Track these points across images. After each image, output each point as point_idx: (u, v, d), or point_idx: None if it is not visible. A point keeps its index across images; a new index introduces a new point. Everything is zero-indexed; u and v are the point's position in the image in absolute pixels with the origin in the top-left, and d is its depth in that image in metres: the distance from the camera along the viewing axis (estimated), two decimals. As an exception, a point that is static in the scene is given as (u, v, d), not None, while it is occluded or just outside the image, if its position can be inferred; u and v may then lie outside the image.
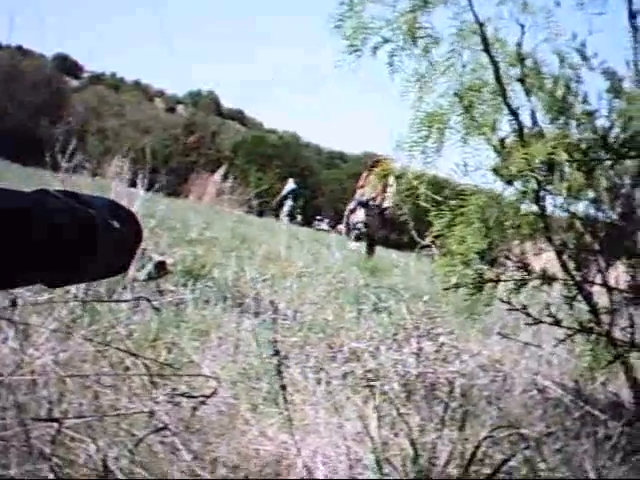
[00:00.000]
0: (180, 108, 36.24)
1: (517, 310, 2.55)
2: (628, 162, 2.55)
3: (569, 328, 2.48)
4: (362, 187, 13.20)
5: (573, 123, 2.60)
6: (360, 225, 12.89)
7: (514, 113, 2.46)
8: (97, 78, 36.40)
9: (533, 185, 2.41)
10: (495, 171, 2.48)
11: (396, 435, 2.70)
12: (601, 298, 2.58)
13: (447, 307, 4.47)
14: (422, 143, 2.41)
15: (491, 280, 2.52)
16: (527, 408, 3.47)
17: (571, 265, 2.53)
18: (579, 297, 2.57)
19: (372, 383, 3.21)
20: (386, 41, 2.65)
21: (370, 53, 2.69)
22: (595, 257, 2.53)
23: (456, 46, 2.57)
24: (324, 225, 15.71)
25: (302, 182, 21.90)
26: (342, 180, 24.28)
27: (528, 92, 2.48)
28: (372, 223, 12.74)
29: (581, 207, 2.73)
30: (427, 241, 2.77)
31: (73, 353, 2.98)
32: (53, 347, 2.90)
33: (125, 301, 3.61)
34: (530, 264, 2.58)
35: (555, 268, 2.68)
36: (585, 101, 2.55)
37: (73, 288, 3.49)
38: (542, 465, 2.54)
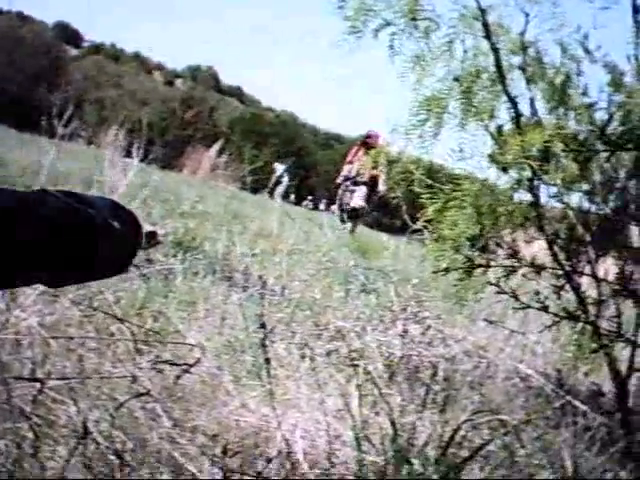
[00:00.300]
0: (179, 82, 36.09)
1: (505, 293, 2.55)
2: (625, 156, 2.55)
3: (556, 315, 2.49)
4: (350, 163, 12.84)
5: (572, 115, 2.60)
6: (346, 201, 12.57)
7: (513, 101, 2.45)
8: (96, 48, 36.21)
9: (528, 174, 2.41)
10: (491, 158, 2.47)
11: (377, 414, 2.71)
12: (589, 291, 2.59)
13: (436, 292, 4.48)
14: (420, 127, 2.41)
15: (481, 265, 2.52)
16: (509, 396, 3.48)
17: (561, 256, 2.53)
18: (567, 287, 2.57)
19: (356, 362, 3.21)
20: (387, 24, 2.64)
21: (371, 35, 2.68)
22: (585, 248, 2.54)
23: (457, 30, 2.56)
24: (322, 205, 15.63)
25: (297, 161, 21.86)
26: (337, 161, 24.26)
27: (528, 81, 2.48)
28: (361, 197, 12.45)
29: (575, 199, 2.74)
30: (419, 225, 2.77)
31: (59, 316, 2.98)
32: (40, 309, 2.90)
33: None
34: (520, 252, 2.59)
35: (546, 258, 2.68)
36: (585, 93, 2.55)
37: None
38: (520, 451, 2.55)
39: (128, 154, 6.97)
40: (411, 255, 6.12)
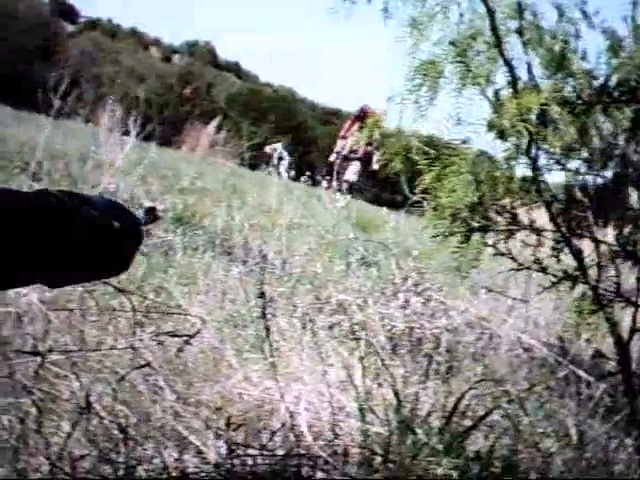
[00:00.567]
0: (176, 58, 35.90)
1: (503, 255, 2.54)
2: (623, 119, 2.52)
3: (555, 275, 2.48)
4: (344, 138, 12.64)
5: (570, 81, 2.57)
6: (353, 178, 12.39)
7: (509, 65, 2.42)
8: (93, 24, 35.94)
9: (525, 137, 2.38)
10: (489, 124, 2.45)
11: (380, 386, 2.71)
12: (590, 255, 2.57)
13: (436, 264, 4.47)
14: (415, 92, 2.37)
15: (479, 229, 2.51)
16: (512, 366, 3.48)
17: (560, 220, 2.51)
18: (567, 254, 2.56)
19: (358, 335, 3.21)
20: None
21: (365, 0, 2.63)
22: (585, 214, 2.52)
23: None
24: (325, 182, 15.50)
25: (296, 137, 21.79)
26: (336, 136, 24.15)
27: (525, 44, 2.44)
28: (354, 172, 12.26)
29: (574, 167, 2.71)
30: (417, 196, 2.74)
31: (59, 292, 2.97)
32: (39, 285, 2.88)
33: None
34: (519, 215, 2.57)
35: (547, 227, 2.66)
36: (584, 57, 2.52)
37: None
38: (524, 420, 2.55)
39: (126, 132, 6.94)
40: (412, 228, 6.11)
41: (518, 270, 2.57)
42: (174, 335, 2.58)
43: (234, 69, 36.48)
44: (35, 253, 1.06)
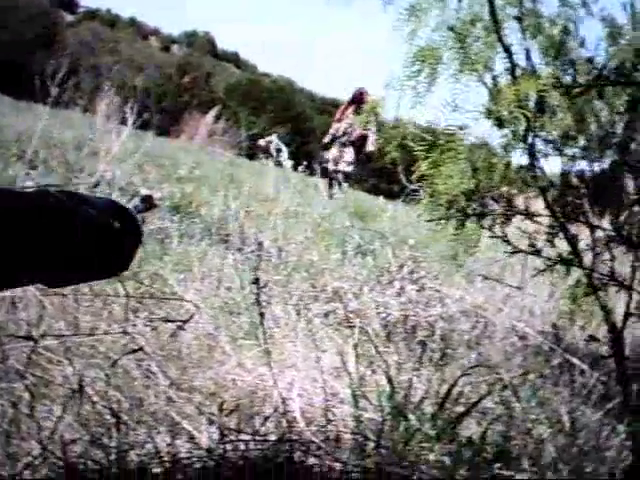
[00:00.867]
0: (175, 48, 35.83)
1: (498, 237, 2.53)
2: (620, 105, 2.51)
3: (549, 259, 2.48)
4: (339, 121, 12.46)
5: (569, 68, 2.56)
6: (333, 162, 12.12)
7: (508, 50, 2.41)
8: (92, 14, 35.84)
9: (523, 123, 2.38)
10: (487, 111, 2.44)
11: (373, 372, 2.72)
12: (585, 240, 2.57)
13: (432, 252, 4.48)
14: (414, 77, 2.37)
15: (475, 214, 2.50)
16: (506, 355, 3.49)
17: (556, 207, 2.51)
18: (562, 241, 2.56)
19: (353, 323, 3.21)
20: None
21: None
22: (581, 201, 2.52)
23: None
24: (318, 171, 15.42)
25: (294, 127, 21.81)
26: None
27: (524, 31, 2.44)
28: (349, 161, 12.10)
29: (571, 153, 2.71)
30: (414, 184, 2.73)
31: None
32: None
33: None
34: (514, 200, 2.57)
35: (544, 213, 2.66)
36: (582, 44, 2.51)
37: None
38: (517, 407, 2.56)
39: (124, 122, 6.93)
40: (408, 217, 6.11)
41: (513, 253, 2.57)
42: (167, 320, 2.58)
43: (233, 59, 36.43)
44: (35, 253, 1.05)
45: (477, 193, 2.54)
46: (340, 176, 11.94)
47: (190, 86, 25.34)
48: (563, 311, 2.62)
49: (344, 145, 11.98)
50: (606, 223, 2.53)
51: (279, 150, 19.53)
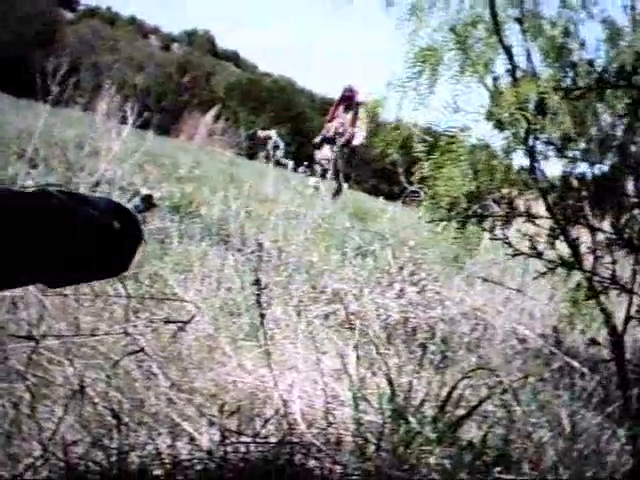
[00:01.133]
0: (175, 46, 35.81)
1: (499, 239, 2.54)
2: (621, 110, 2.52)
3: (550, 261, 2.48)
4: (331, 121, 12.31)
5: (569, 71, 2.57)
6: (324, 162, 11.93)
7: (508, 52, 2.42)
8: (92, 12, 35.81)
9: (523, 125, 2.38)
10: (488, 114, 2.44)
11: (374, 374, 2.72)
12: (586, 244, 2.58)
13: (432, 254, 4.48)
14: (415, 79, 2.37)
15: (475, 215, 2.50)
16: (506, 357, 3.49)
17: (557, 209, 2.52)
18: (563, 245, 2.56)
19: (353, 324, 3.21)
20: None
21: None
22: (581, 203, 2.52)
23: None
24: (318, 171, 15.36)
25: (294, 127, 21.80)
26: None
27: (525, 32, 2.44)
28: (339, 159, 11.96)
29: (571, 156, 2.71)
30: (415, 186, 2.73)
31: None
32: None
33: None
34: (515, 201, 2.57)
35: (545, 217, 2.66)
36: (583, 45, 2.51)
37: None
38: (518, 410, 2.56)
39: (124, 121, 6.93)
40: (408, 219, 6.11)
41: (514, 256, 2.57)
42: (168, 321, 2.58)
43: (233, 58, 36.43)
44: (35, 253, 1.06)
45: (478, 195, 2.54)
46: (323, 167, 11.71)
47: (190, 85, 25.35)
48: (563, 314, 2.61)
49: (336, 145, 11.81)
50: (607, 225, 2.53)
51: (276, 147, 19.55)
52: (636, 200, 2.52)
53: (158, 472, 1.99)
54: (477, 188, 2.47)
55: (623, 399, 2.43)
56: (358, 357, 2.66)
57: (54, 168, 5.52)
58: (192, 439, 2.22)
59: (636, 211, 2.56)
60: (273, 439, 2.23)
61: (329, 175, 11.44)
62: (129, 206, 1.40)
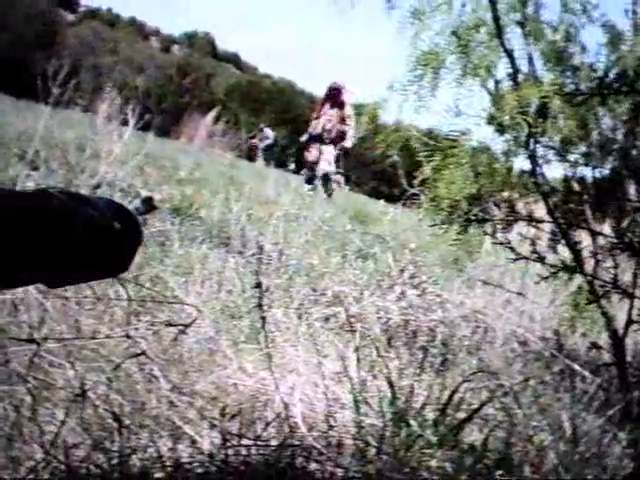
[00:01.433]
0: (175, 48, 35.83)
1: (501, 244, 2.54)
2: (622, 111, 2.52)
3: (552, 266, 2.48)
4: (317, 118, 12.05)
5: (570, 74, 2.57)
6: (314, 166, 11.63)
7: (510, 55, 2.42)
8: (93, 13, 35.82)
9: (525, 129, 2.38)
10: (489, 117, 2.45)
11: (375, 377, 2.72)
12: (587, 248, 2.58)
13: (433, 257, 4.48)
14: (417, 82, 2.37)
15: (477, 219, 2.51)
16: (507, 360, 3.49)
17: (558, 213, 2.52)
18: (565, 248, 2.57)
19: (354, 327, 3.21)
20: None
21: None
22: (582, 207, 2.53)
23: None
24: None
25: (294, 129, 21.80)
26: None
27: (526, 36, 2.45)
28: (329, 160, 11.54)
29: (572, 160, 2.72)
30: (416, 189, 2.73)
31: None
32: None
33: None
34: (516, 206, 2.58)
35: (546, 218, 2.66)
36: (584, 49, 2.52)
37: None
38: (519, 413, 2.56)
39: (125, 122, 6.93)
40: (409, 221, 6.10)
41: (516, 260, 2.57)
42: (169, 324, 2.58)
43: (233, 60, 36.42)
44: (35, 253, 1.06)
45: (479, 198, 2.54)
46: (319, 174, 11.44)
47: (191, 87, 25.35)
48: (564, 317, 2.62)
49: (324, 143, 11.58)
50: (607, 228, 2.54)
51: (266, 138, 19.58)
52: (637, 204, 2.53)
53: (159, 475, 1.99)
54: (478, 191, 2.47)
55: (624, 402, 2.43)
56: (359, 360, 2.66)
57: (55, 170, 5.52)
58: (193, 442, 2.22)
59: (637, 215, 2.56)
60: (274, 442, 2.23)
61: (317, 181, 11.22)
62: (130, 208, 1.40)
